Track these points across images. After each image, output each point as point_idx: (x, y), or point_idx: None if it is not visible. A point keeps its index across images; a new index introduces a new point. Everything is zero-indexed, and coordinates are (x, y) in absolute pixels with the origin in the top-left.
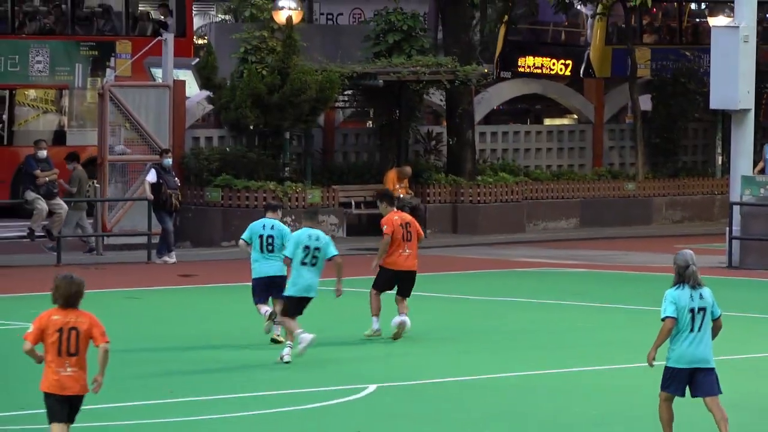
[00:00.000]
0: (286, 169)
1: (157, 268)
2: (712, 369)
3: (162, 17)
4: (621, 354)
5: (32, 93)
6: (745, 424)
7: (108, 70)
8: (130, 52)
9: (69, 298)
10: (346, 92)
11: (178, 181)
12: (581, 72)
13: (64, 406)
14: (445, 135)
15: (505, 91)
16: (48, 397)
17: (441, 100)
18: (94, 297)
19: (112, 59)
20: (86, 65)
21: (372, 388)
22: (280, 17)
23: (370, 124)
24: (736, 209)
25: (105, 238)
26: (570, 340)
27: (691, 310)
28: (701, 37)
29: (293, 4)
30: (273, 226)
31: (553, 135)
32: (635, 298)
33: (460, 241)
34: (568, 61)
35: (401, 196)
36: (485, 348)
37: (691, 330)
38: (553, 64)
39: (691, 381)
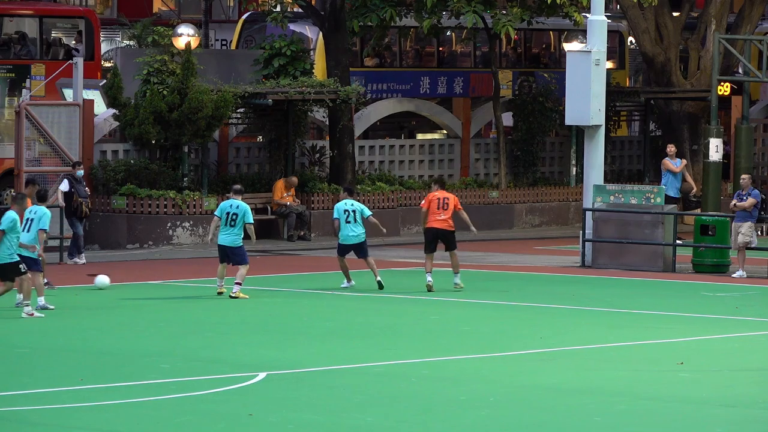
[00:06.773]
0: (185, 179)
1: (69, 268)
2: None
3: (73, 43)
4: (494, 344)
5: None
6: (591, 404)
7: (24, 91)
8: (44, 74)
9: None
10: (238, 110)
11: (88, 190)
12: None
13: None
14: (327, 148)
15: (383, 108)
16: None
17: (324, 117)
18: (11, 293)
19: (28, 81)
20: (4, 86)
21: (262, 375)
22: (180, 43)
23: (260, 138)
24: (589, 215)
25: None
26: (434, 332)
27: None
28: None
29: (191, 31)
30: (238, 206)
31: (425, 148)
32: (498, 294)
33: None
34: None
35: (288, 203)
36: (361, 339)
37: None
38: None
39: None
